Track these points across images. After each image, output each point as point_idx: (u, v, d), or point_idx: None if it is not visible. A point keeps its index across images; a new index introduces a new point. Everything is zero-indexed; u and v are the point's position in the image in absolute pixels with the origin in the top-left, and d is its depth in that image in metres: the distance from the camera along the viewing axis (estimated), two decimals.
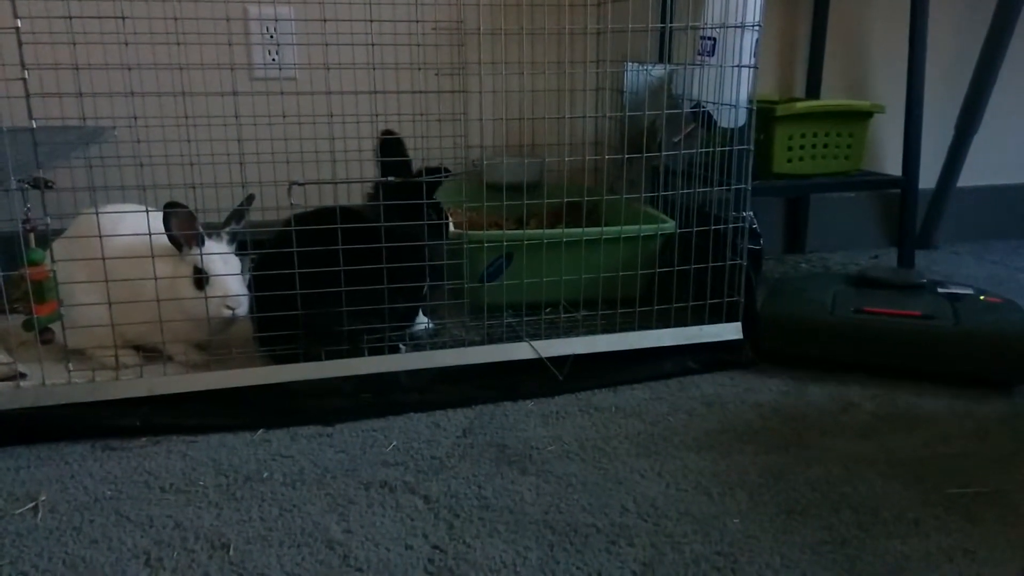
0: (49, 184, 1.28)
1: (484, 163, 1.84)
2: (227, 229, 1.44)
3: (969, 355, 1.48)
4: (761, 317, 1.60)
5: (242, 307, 1.39)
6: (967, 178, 2.47)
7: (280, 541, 1.04)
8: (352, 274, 1.36)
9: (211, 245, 1.39)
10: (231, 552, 1.02)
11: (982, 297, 1.63)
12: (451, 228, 1.55)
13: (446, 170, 1.44)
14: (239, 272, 1.42)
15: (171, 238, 1.36)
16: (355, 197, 1.49)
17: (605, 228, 1.62)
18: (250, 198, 1.43)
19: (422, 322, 1.58)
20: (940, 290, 1.67)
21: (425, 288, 1.48)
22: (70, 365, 1.33)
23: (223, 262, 1.39)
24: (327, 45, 1.37)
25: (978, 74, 2.35)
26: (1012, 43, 2.31)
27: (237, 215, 1.44)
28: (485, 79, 1.40)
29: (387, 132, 1.45)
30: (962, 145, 2.40)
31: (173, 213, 1.34)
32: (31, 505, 1.12)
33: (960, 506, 1.12)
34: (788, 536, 1.05)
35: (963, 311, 1.55)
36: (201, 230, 1.36)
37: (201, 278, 1.37)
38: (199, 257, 1.37)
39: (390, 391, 1.42)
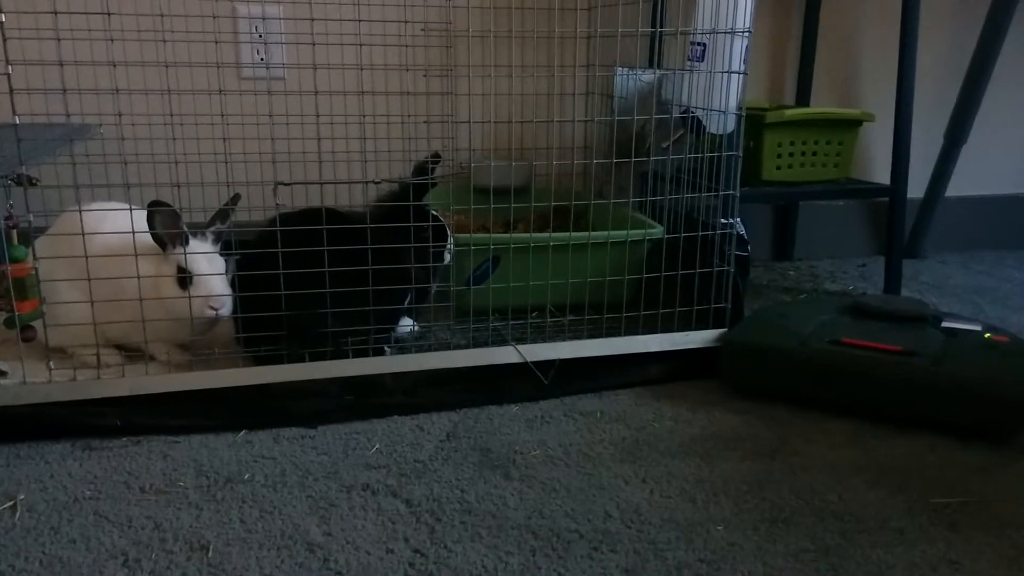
0: (33, 181, 1.27)
1: (472, 166, 1.83)
2: (212, 229, 1.43)
3: (945, 399, 1.33)
4: (723, 345, 1.52)
5: (225, 307, 1.38)
6: (955, 188, 2.48)
7: (260, 543, 1.03)
8: (332, 275, 1.35)
9: (195, 244, 1.38)
10: (210, 554, 1.01)
11: (987, 335, 1.47)
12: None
13: (436, 155, 1.43)
14: (223, 272, 1.41)
15: (155, 237, 1.35)
16: (342, 198, 1.49)
17: (592, 233, 1.61)
18: (235, 198, 1.42)
19: (407, 325, 1.57)
20: (944, 324, 1.52)
21: (411, 293, 1.47)
22: (51, 363, 1.32)
23: (207, 262, 1.38)
24: (315, 45, 1.37)
25: (968, 84, 2.36)
26: (1002, 53, 2.32)
27: (222, 215, 1.43)
28: (474, 81, 1.39)
29: (435, 155, 1.46)
30: (951, 155, 2.41)
31: (157, 211, 1.33)
32: (9, 504, 1.11)
33: (944, 516, 1.11)
34: (771, 544, 1.04)
35: (953, 349, 1.41)
36: (185, 229, 1.35)
37: (185, 278, 1.36)
38: (183, 256, 1.35)
39: (374, 393, 1.42)
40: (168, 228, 1.34)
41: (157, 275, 1.35)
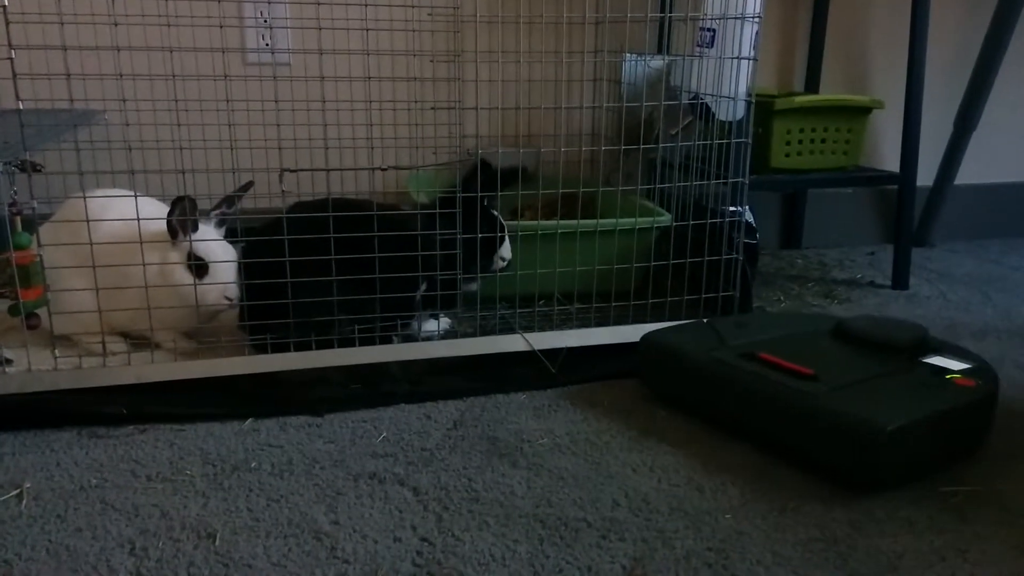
0: (37, 167, 1.26)
1: (479, 153, 1.82)
2: (215, 212, 1.42)
3: (814, 430, 1.16)
4: (640, 342, 1.44)
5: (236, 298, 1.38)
6: (965, 175, 2.46)
7: (267, 532, 1.03)
8: (341, 264, 1.34)
9: (204, 231, 1.37)
10: (217, 542, 1.00)
11: (951, 375, 1.25)
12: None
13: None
14: (236, 260, 1.40)
15: (169, 224, 1.34)
16: (348, 184, 1.48)
17: (600, 220, 1.60)
18: (248, 185, 1.42)
19: (432, 328, 1.55)
20: (928, 358, 1.31)
21: (423, 284, 1.46)
22: (56, 351, 1.31)
23: (222, 250, 1.38)
24: (321, 29, 1.35)
25: (978, 71, 2.35)
26: (1012, 41, 2.31)
27: (229, 201, 1.43)
28: (481, 67, 1.38)
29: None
30: (960, 142, 2.40)
31: (179, 202, 1.32)
32: (15, 492, 1.11)
33: (953, 505, 1.11)
34: (780, 533, 1.04)
35: (877, 382, 1.23)
36: (197, 216, 1.35)
37: (198, 265, 1.35)
38: (196, 244, 1.35)
39: (381, 382, 1.41)
40: (184, 215, 1.34)
41: (163, 262, 1.35)
